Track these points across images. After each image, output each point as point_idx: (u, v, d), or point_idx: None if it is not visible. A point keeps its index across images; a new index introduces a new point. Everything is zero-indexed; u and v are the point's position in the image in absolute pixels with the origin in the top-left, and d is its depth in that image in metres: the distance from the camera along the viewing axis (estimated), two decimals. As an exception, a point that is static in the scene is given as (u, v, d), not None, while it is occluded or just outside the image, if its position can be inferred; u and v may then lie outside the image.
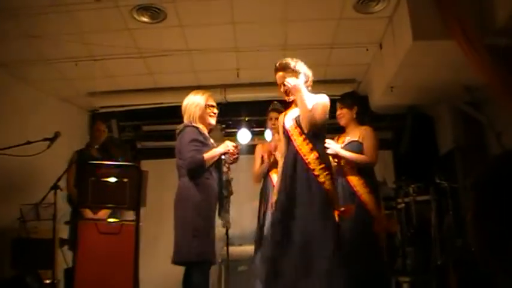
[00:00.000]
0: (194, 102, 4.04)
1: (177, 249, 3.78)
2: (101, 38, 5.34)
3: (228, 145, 3.99)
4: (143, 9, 4.89)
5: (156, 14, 4.98)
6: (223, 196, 4.03)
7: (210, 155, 3.87)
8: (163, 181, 5.51)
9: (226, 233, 4.51)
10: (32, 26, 4.98)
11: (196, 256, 3.68)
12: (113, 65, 6.05)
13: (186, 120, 4.04)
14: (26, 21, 4.89)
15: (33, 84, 6.23)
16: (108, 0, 4.57)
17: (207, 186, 3.85)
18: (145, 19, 5.05)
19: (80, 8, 4.74)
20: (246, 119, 4.58)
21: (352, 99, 4.57)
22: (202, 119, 4.02)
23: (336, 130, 4.55)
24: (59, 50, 5.51)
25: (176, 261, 3.79)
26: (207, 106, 4.06)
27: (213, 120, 4.11)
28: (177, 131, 4.04)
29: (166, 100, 6.96)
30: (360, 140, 4.33)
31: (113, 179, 3.94)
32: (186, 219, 3.77)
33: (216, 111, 4.13)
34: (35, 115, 5.99)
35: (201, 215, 3.76)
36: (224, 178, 4.07)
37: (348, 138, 4.40)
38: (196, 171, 3.84)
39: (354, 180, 4.20)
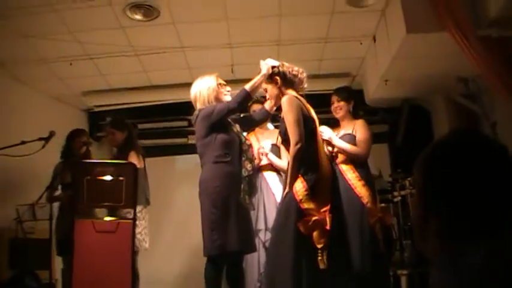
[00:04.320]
0: (205, 86, 3.88)
1: (203, 243, 3.67)
2: (94, 36, 5.33)
3: (267, 62, 3.75)
4: (136, 7, 4.87)
5: (149, 11, 4.96)
6: (241, 177, 3.83)
7: (251, 83, 3.75)
8: (159, 179, 5.52)
9: None
10: (25, 25, 4.97)
11: (216, 249, 3.58)
12: (107, 64, 6.04)
13: (200, 107, 3.88)
14: (19, 20, 4.88)
15: (27, 84, 6.21)
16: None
17: (226, 173, 3.72)
18: (138, 17, 5.03)
19: (73, 7, 4.73)
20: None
21: (349, 93, 4.60)
22: (218, 100, 3.86)
23: (328, 124, 4.55)
24: (52, 49, 5.49)
25: (204, 255, 3.69)
26: (219, 85, 3.93)
27: (228, 98, 3.92)
28: (193, 118, 3.90)
29: (161, 98, 6.96)
30: (354, 133, 4.34)
31: (108, 177, 3.93)
32: (205, 212, 3.66)
33: (229, 88, 3.98)
34: (29, 115, 5.98)
35: (218, 205, 3.62)
36: (244, 157, 3.89)
37: (342, 132, 4.41)
38: (244, 103, 3.79)
39: (348, 173, 4.21)
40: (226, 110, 3.75)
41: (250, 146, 4.02)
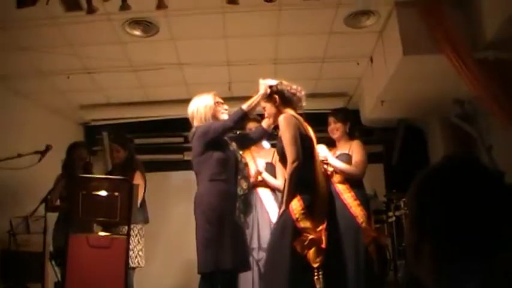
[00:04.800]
0: (203, 103, 3.88)
1: (197, 260, 3.65)
2: (93, 51, 5.35)
3: (266, 82, 3.74)
4: (135, 23, 4.91)
5: (149, 27, 4.99)
6: (237, 195, 3.82)
7: (248, 102, 3.73)
8: (154, 195, 5.50)
9: None
10: (24, 39, 4.99)
11: (210, 266, 3.56)
12: (105, 78, 6.07)
13: (197, 124, 3.87)
14: (18, 34, 4.90)
15: (25, 97, 6.22)
16: (101, 13, 4.57)
17: (222, 191, 3.70)
18: (137, 33, 5.06)
19: (72, 21, 4.74)
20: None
21: (346, 114, 4.62)
22: (215, 118, 3.86)
23: (325, 143, 4.55)
24: (51, 62, 5.52)
25: (198, 272, 3.67)
26: (217, 104, 3.92)
27: (226, 116, 3.91)
28: (190, 136, 3.90)
29: (158, 113, 6.97)
30: (350, 153, 4.36)
31: (103, 193, 3.92)
32: (200, 229, 3.64)
33: (226, 107, 3.98)
34: (26, 127, 5.97)
35: (212, 223, 3.59)
36: (240, 176, 3.88)
37: (338, 152, 4.42)
38: (241, 122, 3.82)
39: (344, 193, 4.21)
40: (223, 129, 3.76)
41: (246, 164, 4.02)
